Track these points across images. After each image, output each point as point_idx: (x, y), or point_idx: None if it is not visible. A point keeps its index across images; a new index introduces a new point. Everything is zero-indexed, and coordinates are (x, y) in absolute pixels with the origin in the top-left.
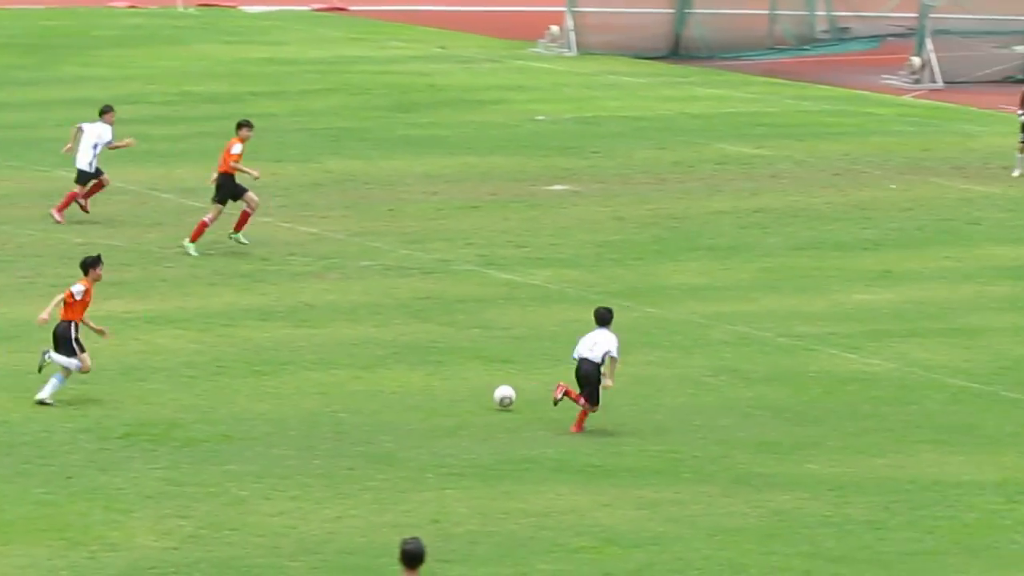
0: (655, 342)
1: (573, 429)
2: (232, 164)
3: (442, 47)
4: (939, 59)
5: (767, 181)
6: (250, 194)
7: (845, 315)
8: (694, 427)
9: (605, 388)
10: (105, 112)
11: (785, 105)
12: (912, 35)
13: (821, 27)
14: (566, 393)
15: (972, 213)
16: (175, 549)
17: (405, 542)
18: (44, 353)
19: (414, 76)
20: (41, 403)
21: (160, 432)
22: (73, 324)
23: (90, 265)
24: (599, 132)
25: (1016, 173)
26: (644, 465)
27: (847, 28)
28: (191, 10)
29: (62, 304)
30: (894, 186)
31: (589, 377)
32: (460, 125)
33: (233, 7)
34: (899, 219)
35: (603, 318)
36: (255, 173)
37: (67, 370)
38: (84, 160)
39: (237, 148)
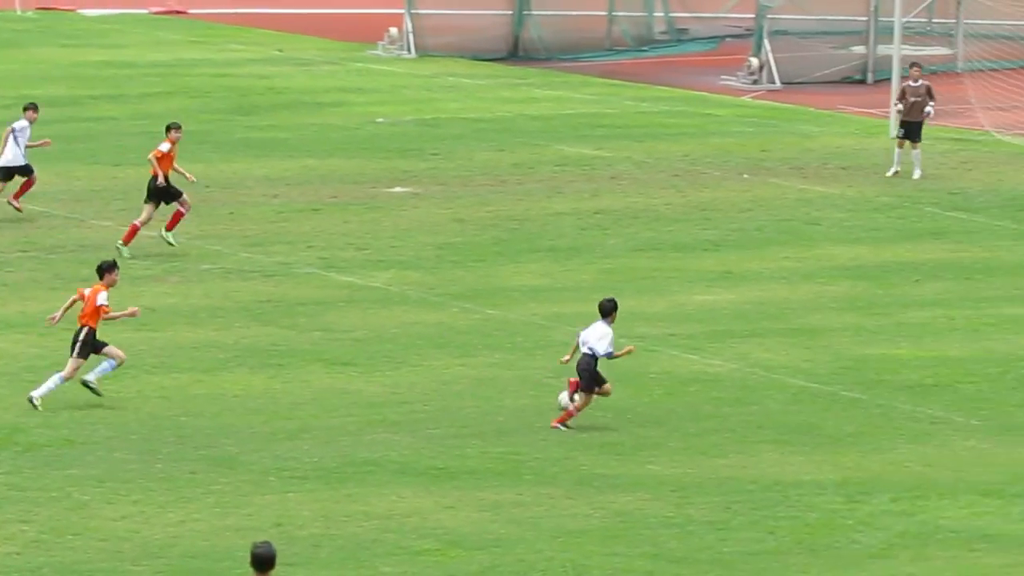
0: (497, 344)
1: (554, 423)
2: (149, 157)
3: (280, 50)
4: (777, 60)
5: (607, 182)
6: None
7: (686, 316)
8: (536, 429)
9: (604, 393)
10: (27, 109)
11: (624, 106)
12: (750, 36)
13: (659, 28)
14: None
15: (811, 213)
16: (17, 554)
17: (256, 545)
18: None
19: (253, 79)
20: (85, 384)
21: (1, 437)
22: (88, 328)
23: (105, 270)
24: (439, 134)
25: (890, 172)
26: (486, 467)
27: (685, 29)
28: (29, 13)
29: (80, 307)
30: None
31: (585, 369)
32: (300, 127)
33: (71, 10)
34: (739, 220)
35: (602, 309)
36: (160, 180)
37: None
38: (9, 155)
39: (164, 146)
